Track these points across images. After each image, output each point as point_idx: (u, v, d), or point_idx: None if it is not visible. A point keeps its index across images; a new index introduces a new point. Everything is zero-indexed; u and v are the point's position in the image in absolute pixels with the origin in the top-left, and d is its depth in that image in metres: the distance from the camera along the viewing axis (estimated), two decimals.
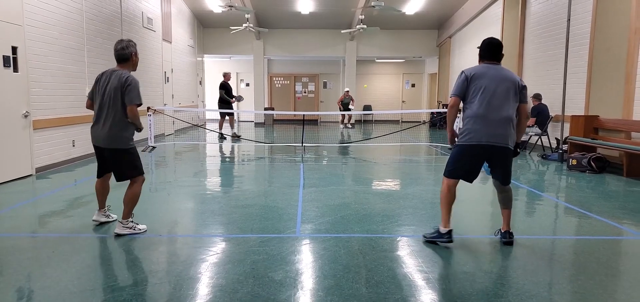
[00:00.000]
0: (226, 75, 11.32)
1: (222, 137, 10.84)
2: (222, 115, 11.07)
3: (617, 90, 7.08)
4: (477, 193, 5.64)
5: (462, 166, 3.38)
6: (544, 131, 8.76)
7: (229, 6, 11.34)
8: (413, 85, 18.96)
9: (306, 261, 3.19)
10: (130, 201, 3.66)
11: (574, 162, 6.99)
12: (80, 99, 7.59)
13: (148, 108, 9.04)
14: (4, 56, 5.68)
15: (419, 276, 2.95)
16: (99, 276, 2.89)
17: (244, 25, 12.88)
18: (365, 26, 12.80)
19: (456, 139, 3.47)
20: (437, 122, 15.17)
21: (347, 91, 15.13)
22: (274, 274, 2.93)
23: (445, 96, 15.45)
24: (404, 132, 13.42)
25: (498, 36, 11.25)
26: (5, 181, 5.74)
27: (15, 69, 5.92)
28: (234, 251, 3.36)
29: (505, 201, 3.52)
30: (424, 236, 3.60)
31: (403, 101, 18.84)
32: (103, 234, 3.74)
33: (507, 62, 10.79)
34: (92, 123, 3.67)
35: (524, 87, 3.35)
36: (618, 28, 7.04)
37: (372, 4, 10.75)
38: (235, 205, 4.73)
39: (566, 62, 7.68)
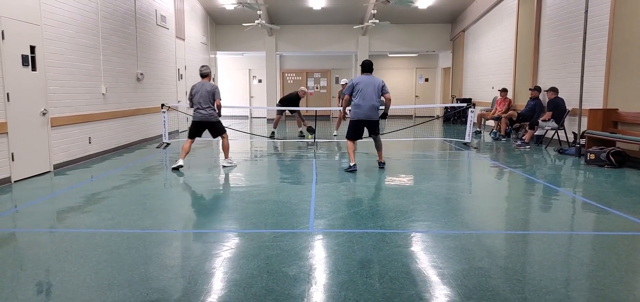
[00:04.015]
0: (300, 92, 10.64)
1: (310, 131, 10.69)
2: (297, 114, 10.85)
3: (638, 82, 6.90)
4: (491, 189, 5.57)
5: (354, 132, 6.32)
6: (561, 125, 8.60)
7: (241, 3, 11.36)
8: (426, 80, 18.78)
9: (320, 256, 3.19)
10: (226, 148, 6.69)
11: (592, 156, 6.84)
12: (96, 97, 7.72)
13: (162, 105, 9.14)
14: (22, 55, 5.80)
15: (433, 271, 2.93)
16: (115, 271, 2.93)
17: (256, 21, 12.90)
18: (377, 21, 12.70)
19: (345, 117, 6.97)
20: (451, 117, 14.98)
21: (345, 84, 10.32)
22: (288, 269, 2.94)
23: (459, 91, 15.27)
24: (417, 127, 13.31)
25: (513, 29, 11.12)
26: (24, 178, 5.87)
27: (34, 68, 6.04)
28: (248, 246, 3.39)
29: (377, 145, 6.50)
30: (344, 169, 6.33)
31: (416, 96, 18.68)
32: (119, 229, 3.80)
33: (522, 56, 10.63)
34: (195, 109, 6.43)
35: (384, 85, 6.19)
36: (638, 19, 6.86)
37: None
38: (249, 200, 4.75)
39: (584, 54, 7.51)
